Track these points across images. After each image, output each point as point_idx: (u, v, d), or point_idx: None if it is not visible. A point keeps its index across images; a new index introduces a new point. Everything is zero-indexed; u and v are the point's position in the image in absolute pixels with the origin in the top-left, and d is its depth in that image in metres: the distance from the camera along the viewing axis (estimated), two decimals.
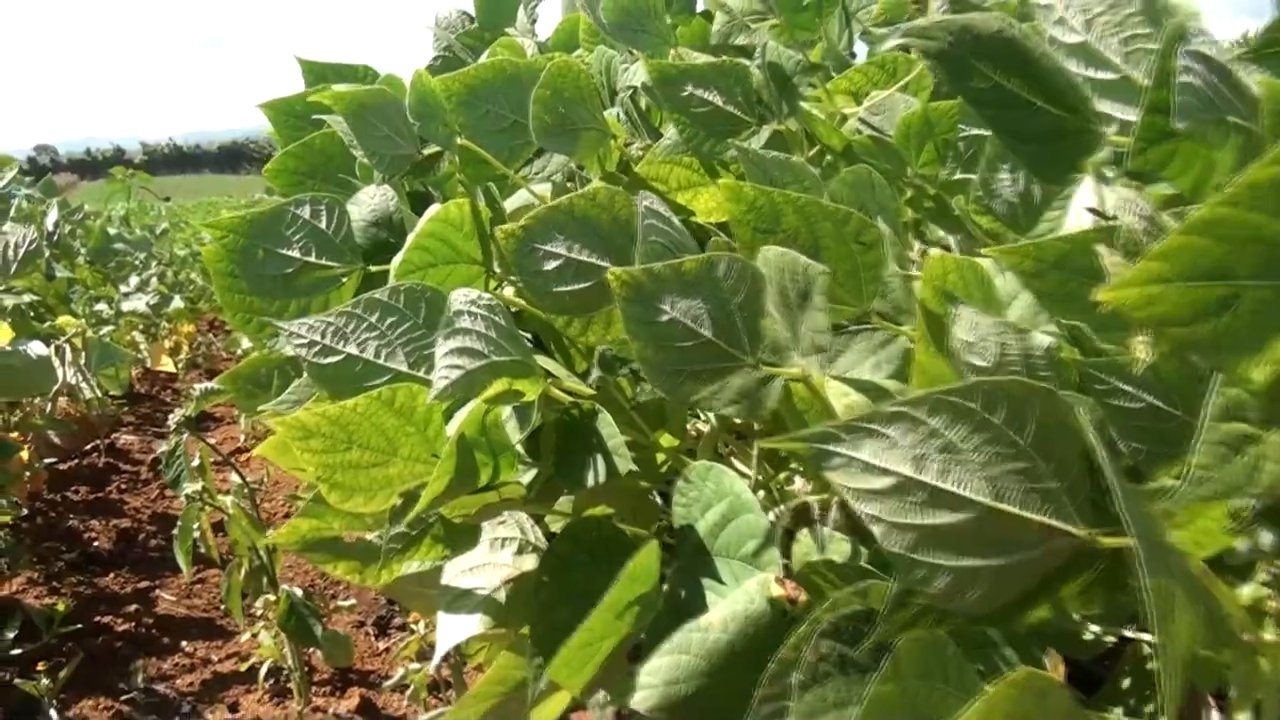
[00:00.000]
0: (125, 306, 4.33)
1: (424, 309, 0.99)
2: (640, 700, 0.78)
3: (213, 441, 3.67)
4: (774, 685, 0.59)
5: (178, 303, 5.04)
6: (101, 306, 3.90)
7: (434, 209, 1.16)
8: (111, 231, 5.37)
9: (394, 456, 0.97)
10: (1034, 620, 0.54)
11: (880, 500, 0.52)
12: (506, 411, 1.03)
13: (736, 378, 0.72)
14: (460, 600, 1.12)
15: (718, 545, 0.83)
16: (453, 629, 1.10)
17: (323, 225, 1.22)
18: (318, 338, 1.01)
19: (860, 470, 0.52)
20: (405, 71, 1.36)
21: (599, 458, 1.03)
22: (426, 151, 1.18)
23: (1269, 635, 0.56)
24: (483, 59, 1.37)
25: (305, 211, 1.22)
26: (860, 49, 1.41)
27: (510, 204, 1.31)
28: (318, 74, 1.97)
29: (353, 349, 1.01)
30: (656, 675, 0.78)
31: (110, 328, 3.80)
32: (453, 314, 0.92)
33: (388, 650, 1.96)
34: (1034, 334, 0.64)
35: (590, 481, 1.02)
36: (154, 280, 5.09)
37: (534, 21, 1.86)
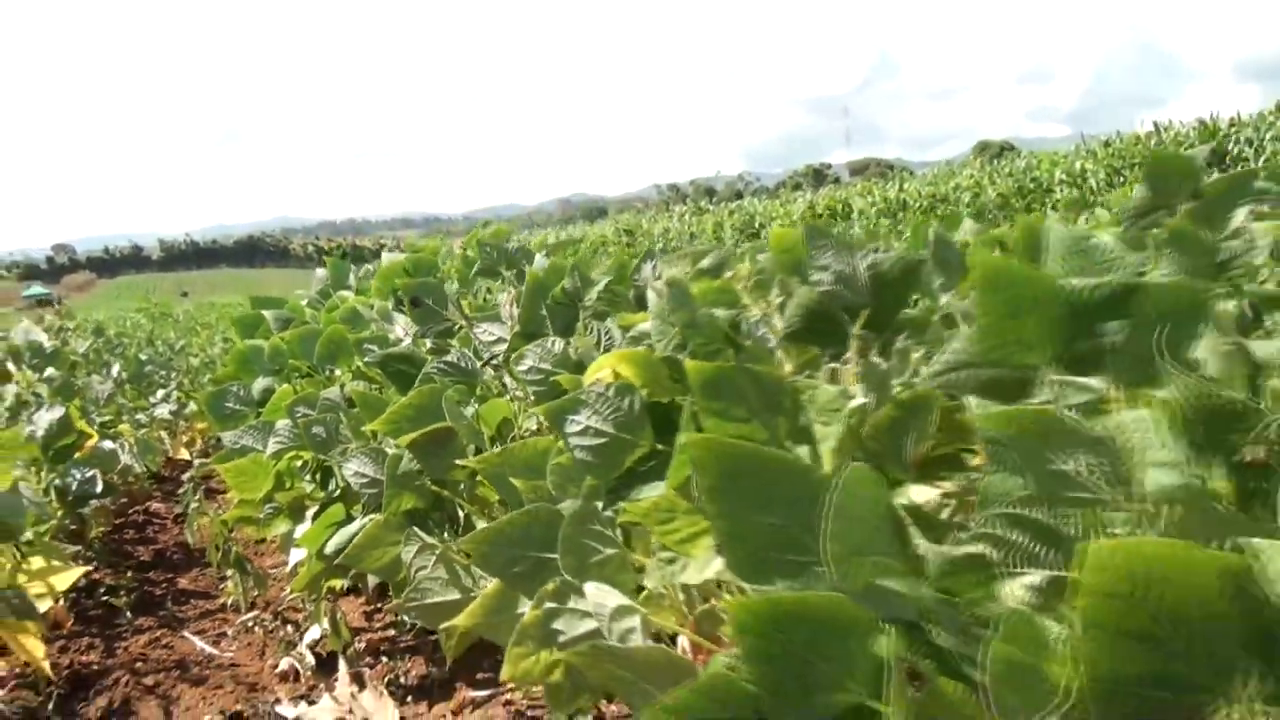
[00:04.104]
0: (155, 412, 6.30)
1: (269, 428, 2.91)
2: (330, 547, 2.68)
3: (214, 505, 5.65)
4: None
5: (193, 406, 6.95)
6: (140, 416, 5.88)
7: (282, 389, 3.10)
8: (143, 357, 7.40)
9: (257, 478, 2.89)
10: None
11: None
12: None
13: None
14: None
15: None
16: (297, 555, 2.98)
17: (241, 393, 3.16)
18: (235, 438, 2.95)
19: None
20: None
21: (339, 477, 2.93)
22: (276, 367, 3.11)
23: None
24: (318, 318, 3.34)
25: (234, 388, 3.16)
26: None
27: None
28: (255, 301, 3.96)
29: (246, 441, 2.93)
30: (338, 538, 2.67)
31: (144, 429, 5.77)
32: (276, 428, 2.85)
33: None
34: None
35: (332, 486, 2.93)
36: (175, 392, 7.04)
37: (362, 277, 3.83)
